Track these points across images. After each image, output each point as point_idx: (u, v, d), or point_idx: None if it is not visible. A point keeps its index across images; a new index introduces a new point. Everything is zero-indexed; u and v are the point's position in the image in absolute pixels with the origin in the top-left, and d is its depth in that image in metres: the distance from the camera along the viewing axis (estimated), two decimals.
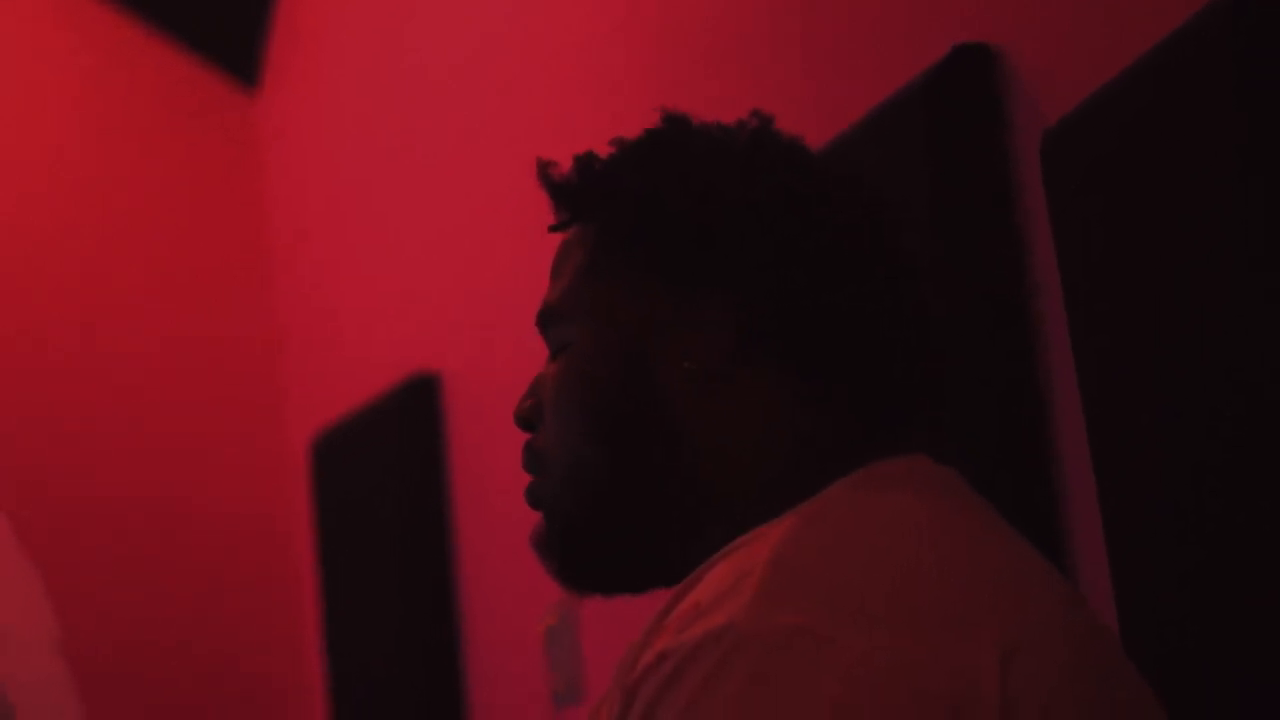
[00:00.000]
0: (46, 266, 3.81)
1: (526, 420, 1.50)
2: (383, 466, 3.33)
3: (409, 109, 3.41)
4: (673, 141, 1.49)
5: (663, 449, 1.43)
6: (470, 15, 3.21)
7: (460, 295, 3.19)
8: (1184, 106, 1.58)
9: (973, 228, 1.89)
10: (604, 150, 1.51)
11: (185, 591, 3.75)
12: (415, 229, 3.38)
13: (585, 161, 1.51)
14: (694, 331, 1.43)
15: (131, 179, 3.93)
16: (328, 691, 3.57)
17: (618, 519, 1.44)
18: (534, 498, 1.50)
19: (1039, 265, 1.85)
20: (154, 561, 3.74)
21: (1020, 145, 1.88)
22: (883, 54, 2.09)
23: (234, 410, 3.89)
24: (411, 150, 3.39)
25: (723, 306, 1.42)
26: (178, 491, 3.79)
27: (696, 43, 2.51)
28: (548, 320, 1.50)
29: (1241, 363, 1.52)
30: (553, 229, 1.53)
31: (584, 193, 1.50)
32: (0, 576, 3.52)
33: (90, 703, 3.54)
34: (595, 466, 1.45)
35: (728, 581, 1.26)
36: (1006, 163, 1.89)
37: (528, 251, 2.85)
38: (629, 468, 1.44)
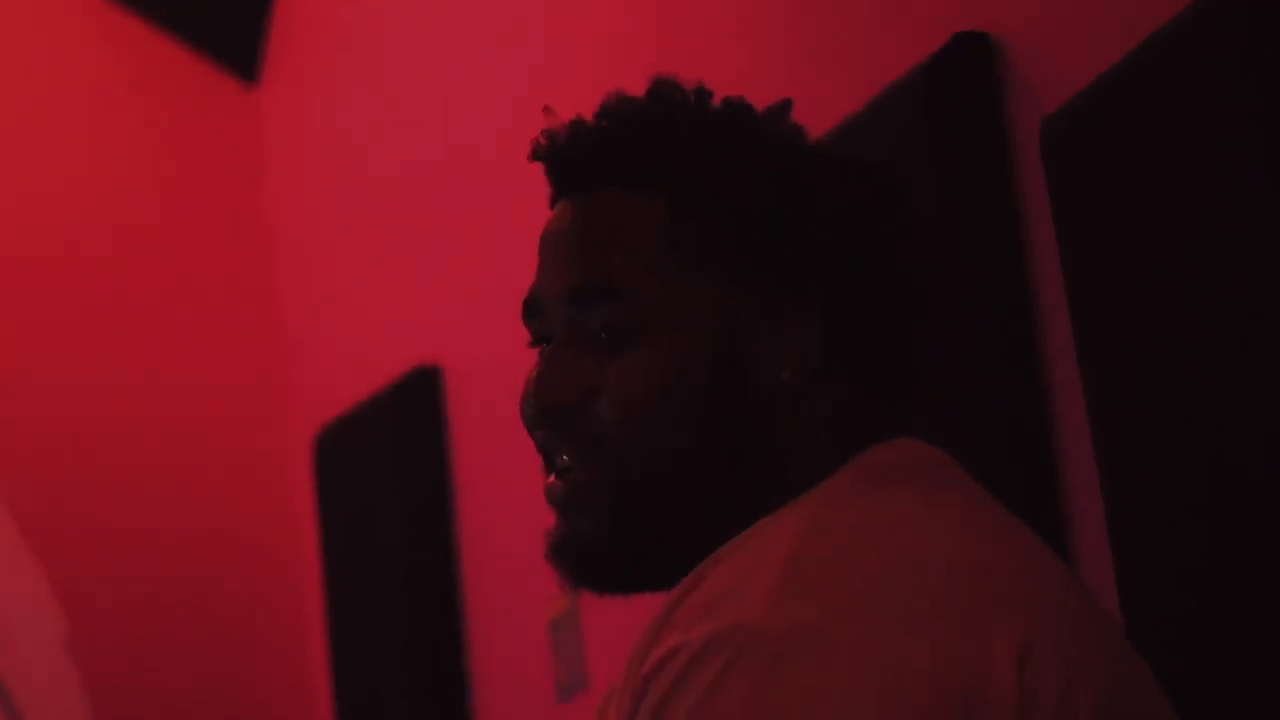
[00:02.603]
0: (47, 262, 3.80)
1: (571, 409, 1.39)
2: (385, 460, 3.33)
3: (410, 102, 3.41)
4: (741, 121, 1.42)
5: (761, 456, 1.37)
6: (472, 5, 3.21)
7: (462, 288, 3.19)
8: (1182, 94, 1.58)
9: (973, 214, 1.89)
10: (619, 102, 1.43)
11: (188, 586, 3.74)
12: (416, 222, 3.38)
13: (637, 117, 1.42)
14: (789, 339, 1.38)
15: (132, 175, 3.93)
16: (332, 684, 3.58)
17: (696, 520, 1.37)
18: (582, 496, 1.39)
19: (1039, 251, 1.85)
20: (158, 557, 3.74)
21: (1019, 133, 1.88)
22: (883, 42, 2.10)
23: (236, 405, 3.89)
24: (413, 143, 3.39)
25: (813, 313, 1.38)
26: (181, 487, 3.79)
27: (696, 31, 2.51)
28: (598, 294, 1.39)
29: (1243, 348, 1.52)
30: (577, 189, 1.42)
31: (648, 155, 1.40)
32: (5, 573, 3.53)
33: (94, 699, 3.55)
34: (693, 471, 1.37)
35: (738, 577, 1.25)
36: (1006, 150, 1.90)
37: (530, 244, 2.85)
38: (723, 471, 1.37)
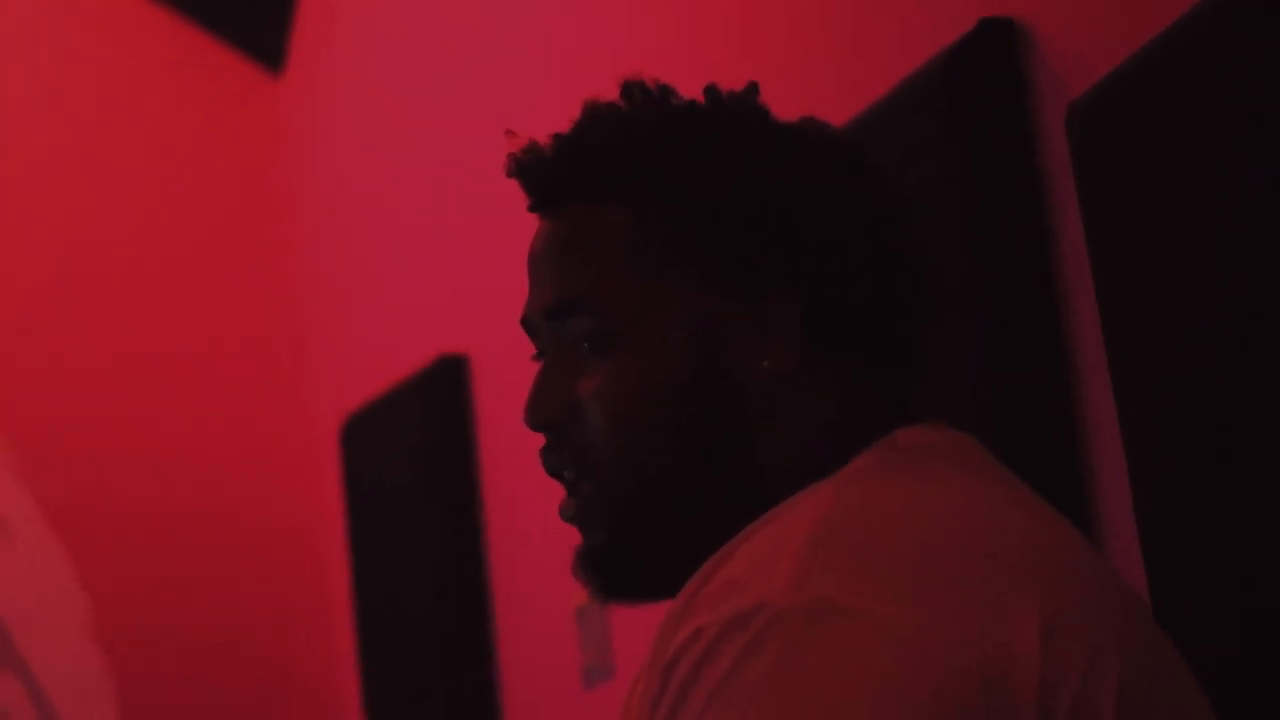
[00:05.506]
0: (70, 254, 3.82)
1: (561, 424, 1.42)
2: (412, 449, 3.34)
3: (434, 90, 3.41)
4: (699, 119, 1.42)
5: (740, 453, 1.38)
6: None
7: (487, 276, 3.19)
8: (1210, 78, 1.58)
9: (998, 201, 1.89)
10: (590, 117, 1.44)
11: (216, 577, 3.76)
12: (441, 210, 3.38)
13: (590, 134, 1.44)
14: (765, 331, 1.38)
15: (157, 165, 3.94)
16: (360, 674, 3.58)
17: (695, 527, 1.38)
18: (587, 510, 1.42)
19: (1065, 238, 1.85)
20: (183, 544, 3.75)
21: (1045, 118, 1.88)
22: (908, 28, 2.09)
23: (262, 395, 3.90)
24: (437, 132, 3.39)
25: (790, 303, 1.38)
26: (207, 478, 3.80)
27: (721, 21, 2.51)
28: (570, 309, 1.42)
29: (1273, 335, 1.51)
30: (548, 208, 1.45)
31: (606, 167, 1.42)
32: (32, 563, 3.55)
33: (122, 689, 3.56)
34: (676, 475, 1.39)
35: (761, 557, 1.26)
36: (1032, 136, 1.89)
37: None
38: (709, 475, 1.38)
